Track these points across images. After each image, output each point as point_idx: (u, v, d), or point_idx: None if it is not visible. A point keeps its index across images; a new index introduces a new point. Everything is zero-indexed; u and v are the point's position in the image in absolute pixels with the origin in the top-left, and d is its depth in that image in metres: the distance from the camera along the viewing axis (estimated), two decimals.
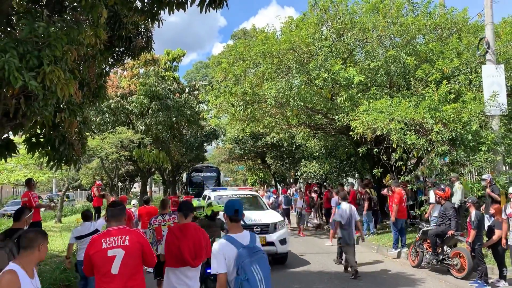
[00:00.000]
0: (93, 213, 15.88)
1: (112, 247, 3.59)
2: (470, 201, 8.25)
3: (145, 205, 10.32)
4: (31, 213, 5.21)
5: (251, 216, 9.61)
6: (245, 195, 11.66)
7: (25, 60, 4.36)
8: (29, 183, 9.25)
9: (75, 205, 32.01)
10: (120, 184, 42.42)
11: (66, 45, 4.74)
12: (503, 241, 7.40)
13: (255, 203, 11.39)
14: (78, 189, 48.70)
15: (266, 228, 9.69)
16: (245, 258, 3.33)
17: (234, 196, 11.05)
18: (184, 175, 29.74)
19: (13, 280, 3.00)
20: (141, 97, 22.90)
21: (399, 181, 11.24)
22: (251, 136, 25.71)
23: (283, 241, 9.71)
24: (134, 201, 12.49)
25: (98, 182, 16.83)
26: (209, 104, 18.60)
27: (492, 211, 8.05)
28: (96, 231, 6.31)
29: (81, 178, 34.60)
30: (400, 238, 10.88)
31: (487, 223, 9.01)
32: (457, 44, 12.18)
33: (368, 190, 13.64)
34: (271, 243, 9.47)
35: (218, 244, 3.47)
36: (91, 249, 3.62)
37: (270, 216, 10.26)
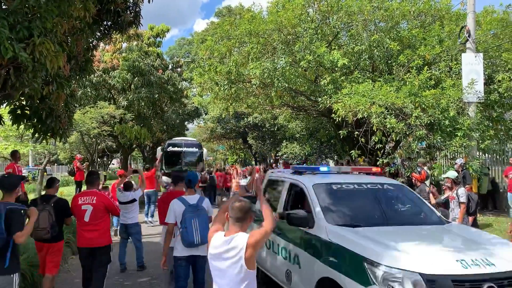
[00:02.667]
0: (75, 187, 15.97)
1: (84, 203, 5.31)
2: (446, 185, 8.46)
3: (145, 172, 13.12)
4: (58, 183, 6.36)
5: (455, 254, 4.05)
6: (380, 186, 5.74)
7: (15, 31, 4.35)
8: (14, 154, 9.23)
9: None
10: (99, 159, 42.05)
11: (56, 17, 4.74)
12: None
13: (413, 208, 5.68)
14: (55, 164, 48.04)
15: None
16: (187, 213, 4.82)
17: (358, 186, 5.58)
18: (158, 150, 23.30)
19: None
20: (123, 72, 22.59)
21: (378, 163, 11.59)
22: (233, 115, 25.83)
23: None
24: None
25: (78, 156, 16.74)
26: (193, 82, 18.53)
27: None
28: (134, 200, 7.60)
29: (59, 153, 34.13)
30: None
31: None
32: (439, 31, 12.43)
33: None
34: None
35: (173, 202, 5.02)
36: (72, 204, 5.40)
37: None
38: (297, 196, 5.79)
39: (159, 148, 23.63)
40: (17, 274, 4.06)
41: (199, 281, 5.12)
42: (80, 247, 5.37)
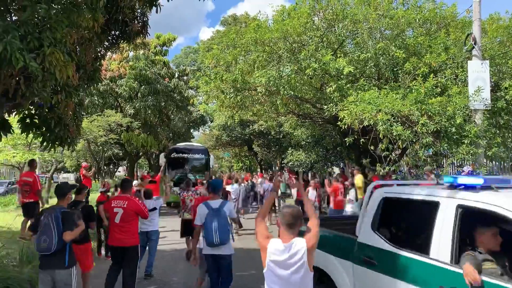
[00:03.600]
0: None
1: (116, 206, 5.91)
2: None
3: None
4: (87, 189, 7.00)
5: None
6: None
7: (26, 41, 4.43)
8: (32, 163, 9.39)
9: None
10: (105, 167, 42.25)
11: (66, 28, 4.82)
12: None
13: None
14: (62, 171, 48.31)
15: None
16: (208, 216, 5.38)
17: None
18: (161, 157, 20.99)
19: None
20: (130, 81, 22.76)
21: (385, 171, 11.55)
22: (239, 123, 25.87)
23: None
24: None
25: (84, 164, 16.85)
26: (199, 90, 18.63)
27: None
28: (154, 209, 7.80)
29: (65, 161, 34.35)
30: None
31: None
32: (445, 39, 12.43)
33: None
34: None
35: (199, 206, 5.65)
36: (106, 206, 6.16)
37: None
38: (483, 231, 3.55)
39: (162, 155, 21.43)
40: (74, 267, 4.92)
41: (223, 277, 5.60)
42: (110, 245, 6.03)
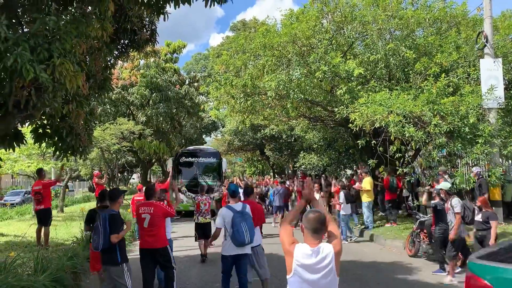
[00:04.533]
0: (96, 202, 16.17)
1: (144, 212, 6.08)
2: (435, 192, 8.39)
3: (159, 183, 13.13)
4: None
5: None
6: None
7: (36, 53, 4.49)
8: (40, 172, 9.62)
9: (75, 195, 32.17)
10: (119, 175, 42.59)
11: (75, 38, 4.88)
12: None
13: None
14: (77, 180, 48.81)
15: None
16: (236, 218, 5.69)
17: None
18: (169, 162, 19.98)
19: None
20: (142, 89, 22.99)
21: (398, 173, 11.45)
22: (250, 127, 25.86)
23: None
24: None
25: (96, 172, 17.02)
26: (209, 95, 18.69)
27: (478, 203, 8.17)
28: None
29: (80, 169, 34.76)
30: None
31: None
32: (455, 38, 12.29)
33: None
34: None
35: (222, 209, 6.02)
36: (135, 212, 6.46)
37: None
38: None
39: (169, 160, 20.22)
40: (125, 264, 5.36)
41: (241, 275, 5.98)
42: (141, 248, 6.23)
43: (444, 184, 8.24)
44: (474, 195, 10.63)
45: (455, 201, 7.61)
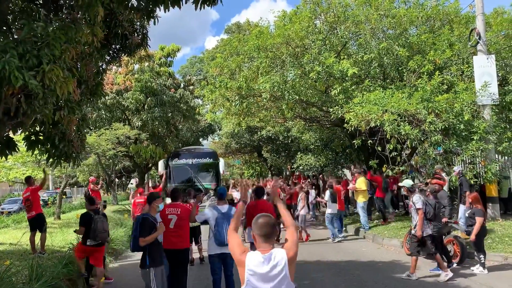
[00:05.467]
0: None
1: (170, 213, 6.28)
2: (429, 190, 8.45)
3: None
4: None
5: None
6: None
7: (25, 59, 4.46)
8: (29, 180, 9.54)
9: (72, 202, 32.03)
10: (117, 180, 42.46)
11: (64, 44, 4.84)
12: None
13: None
14: (75, 186, 48.65)
15: None
16: (219, 219, 6.07)
17: None
18: (160, 165, 18.19)
19: None
20: (136, 93, 22.90)
21: (394, 171, 11.43)
22: (247, 130, 25.84)
23: None
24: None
25: (91, 178, 16.92)
26: (204, 99, 18.61)
27: (469, 199, 8.26)
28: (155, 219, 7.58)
29: (78, 175, 34.63)
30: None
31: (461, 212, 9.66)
32: (448, 35, 12.32)
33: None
34: None
35: (207, 209, 6.44)
36: (161, 214, 6.24)
37: None
38: None
39: (160, 162, 18.27)
40: (152, 268, 5.50)
41: (228, 274, 6.24)
42: (165, 248, 6.26)
43: (406, 182, 8.30)
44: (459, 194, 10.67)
45: (416, 198, 7.70)
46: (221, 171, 17.92)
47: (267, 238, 3.01)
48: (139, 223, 5.52)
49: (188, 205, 6.84)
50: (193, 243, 9.31)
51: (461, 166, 10.99)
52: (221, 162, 18.28)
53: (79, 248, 7.38)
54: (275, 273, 2.93)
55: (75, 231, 7.97)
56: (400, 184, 8.60)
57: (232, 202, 8.39)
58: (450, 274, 7.48)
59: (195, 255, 9.70)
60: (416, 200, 7.66)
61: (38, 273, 6.01)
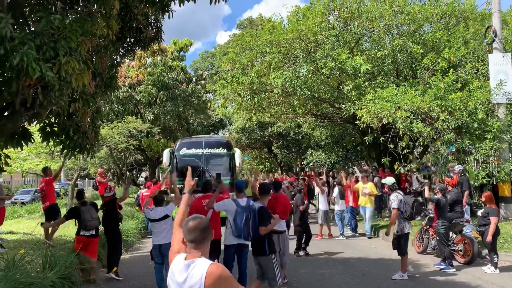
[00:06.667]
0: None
1: (205, 204, 6.40)
2: (438, 188, 8.38)
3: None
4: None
5: None
6: None
7: (42, 51, 4.52)
8: (46, 170, 9.73)
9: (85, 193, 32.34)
10: (128, 173, 42.80)
11: (80, 37, 4.90)
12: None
13: None
14: (86, 178, 49.16)
15: None
16: (238, 212, 5.98)
17: None
18: (165, 155, 15.69)
19: None
20: (149, 87, 23.03)
21: (406, 168, 11.33)
22: (257, 125, 25.83)
23: None
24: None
25: (100, 170, 16.99)
26: (216, 93, 18.63)
27: (483, 199, 8.19)
28: (166, 216, 6.79)
29: (89, 167, 34.99)
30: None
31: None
32: (464, 33, 12.17)
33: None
34: None
35: (227, 200, 6.45)
36: (195, 204, 6.32)
37: None
38: None
39: (166, 152, 15.87)
40: (273, 255, 5.85)
41: (242, 265, 6.44)
42: None
43: (388, 179, 8.20)
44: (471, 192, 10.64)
45: (393, 197, 7.66)
46: (237, 164, 15.57)
47: (197, 244, 2.54)
48: (256, 212, 5.84)
49: (222, 195, 6.99)
50: None
51: (461, 167, 10.91)
52: (237, 153, 15.87)
53: (76, 239, 7.70)
54: (189, 286, 2.46)
55: (41, 224, 8.63)
56: (383, 180, 8.50)
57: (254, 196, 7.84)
58: (406, 277, 7.44)
59: None
60: (393, 200, 7.62)
61: (52, 262, 6.11)
